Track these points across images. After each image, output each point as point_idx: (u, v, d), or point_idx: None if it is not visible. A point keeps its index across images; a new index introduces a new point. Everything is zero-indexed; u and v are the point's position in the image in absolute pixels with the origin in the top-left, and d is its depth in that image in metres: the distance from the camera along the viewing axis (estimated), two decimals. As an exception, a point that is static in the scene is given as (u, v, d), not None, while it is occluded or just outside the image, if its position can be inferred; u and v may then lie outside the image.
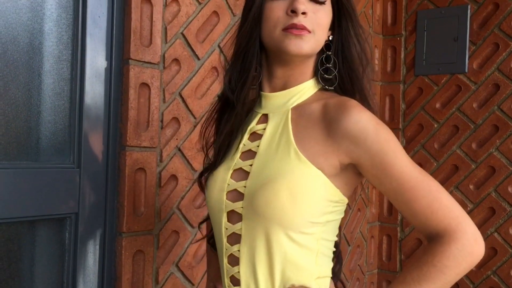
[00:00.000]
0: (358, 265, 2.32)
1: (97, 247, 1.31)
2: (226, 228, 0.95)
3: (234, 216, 0.95)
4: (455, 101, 2.26)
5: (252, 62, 0.98)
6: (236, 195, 0.95)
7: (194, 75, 1.50)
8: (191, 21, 1.49)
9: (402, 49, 2.42)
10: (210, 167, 1.02)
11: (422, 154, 2.34)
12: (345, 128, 0.88)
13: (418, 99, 2.37)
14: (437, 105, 2.31)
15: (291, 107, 0.98)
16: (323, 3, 0.95)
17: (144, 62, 1.36)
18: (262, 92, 1.03)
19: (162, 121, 1.42)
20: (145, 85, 1.37)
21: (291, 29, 0.92)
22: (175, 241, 1.47)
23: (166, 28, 1.42)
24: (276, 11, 0.94)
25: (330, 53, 0.99)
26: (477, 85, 2.21)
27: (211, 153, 1.06)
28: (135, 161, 1.35)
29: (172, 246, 1.46)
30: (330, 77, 1.00)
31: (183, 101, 1.47)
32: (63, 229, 1.27)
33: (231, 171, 0.98)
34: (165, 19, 1.42)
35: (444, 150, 2.29)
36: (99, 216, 1.32)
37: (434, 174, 2.30)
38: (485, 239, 2.13)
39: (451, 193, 2.24)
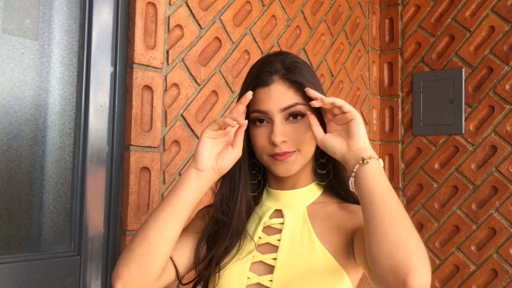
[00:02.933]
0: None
1: (97, 333, 1.32)
2: None
3: None
4: (453, 162, 2.29)
5: (246, 179, 1.03)
6: None
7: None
8: (190, 102, 1.53)
9: (400, 109, 2.46)
10: (209, 266, 1.03)
11: (423, 214, 2.35)
12: (359, 214, 0.96)
13: (417, 159, 2.39)
14: (436, 166, 2.33)
15: (306, 206, 1.05)
16: (301, 118, 1.01)
17: (145, 146, 1.40)
18: (270, 189, 1.09)
19: (162, 202, 1.44)
20: (145, 168, 1.40)
21: (276, 156, 0.99)
22: (176, 322, 1.47)
23: (166, 112, 1.46)
24: (259, 139, 1.01)
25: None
26: (474, 146, 2.24)
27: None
28: (135, 245, 1.36)
29: (173, 327, 1.46)
30: (324, 171, 1.05)
31: (183, 181, 1.50)
32: (63, 317, 1.28)
33: (249, 264, 1.00)
34: (165, 103, 1.46)
35: (444, 210, 2.30)
36: (99, 302, 1.32)
37: (435, 234, 2.30)
38: (488, 302, 2.12)
39: (453, 253, 2.24)
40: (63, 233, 1.29)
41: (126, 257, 0.97)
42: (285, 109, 0.99)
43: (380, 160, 0.92)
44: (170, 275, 1.02)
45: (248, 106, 1.01)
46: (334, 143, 0.95)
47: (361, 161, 0.89)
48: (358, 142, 0.93)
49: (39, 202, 1.25)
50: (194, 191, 0.97)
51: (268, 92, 1.00)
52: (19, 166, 1.20)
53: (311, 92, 0.97)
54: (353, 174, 0.90)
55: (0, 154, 1.17)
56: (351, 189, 0.92)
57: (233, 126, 0.97)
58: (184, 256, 1.04)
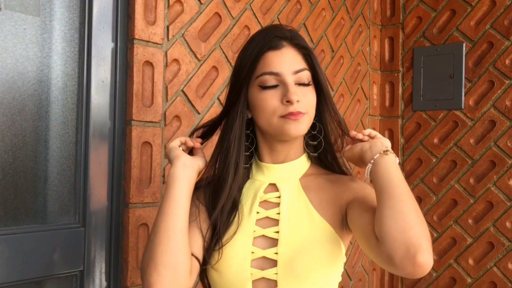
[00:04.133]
0: (360, 299, 2.36)
1: (102, 302, 1.37)
2: None
3: (261, 284, 1.00)
4: (452, 137, 2.31)
5: (240, 146, 1.07)
6: (265, 262, 1.01)
7: (194, 130, 1.56)
8: (191, 78, 1.55)
9: (400, 84, 2.47)
10: (213, 244, 1.05)
11: (422, 188, 2.38)
12: (352, 187, 1.06)
13: (417, 134, 2.41)
14: (435, 140, 2.35)
15: (299, 178, 1.09)
16: (308, 84, 1.06)
17: (146, 121, 1.42)
18: (263, 163, 1.12)
19: (164, 176, 1.48)
20: (147, 143, 1.43)
21: (289, 115, 1.01)
22: (178, 291, 1.52)
23: (167, 87, 1.48)
24: (270, 101, 1.03)
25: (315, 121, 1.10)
26: (473, 121, 2.25)
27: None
28: (138, 217, 1.40)
29: (175, 296, 1.51)
30: (315, 143, 1.12)
31: (184, 155, 1.53)
32: (69, 286, 1.32)
33: (251, 239, 1.03)
34: (166, 78, 1.48)
35: (443, 184, 2.33)
36: (103, 272, 1.37)
37: (434, 208, 2.34)
38: (484, 274, 2.18)
39: (450, 227, 2.28)
40: (67, 205, 1.33)
41: (149, 263, 0.96)
42: (296, 72, 1.04)
43: (398, 158, 1.01)
44: (198, 268, 1.04)
45: (253, 71, 1.05)
46: (360, 146, 1.05)
47: (383, 151, 0.98)
48: (381, 138, 1.04)
49: (44, 176, 1.28)
50: (186, 178, 1.03)
51: (281, 55, 1.04)
52: (23, 141, 1.23)
53: (358, 135, 1.08)
54: (372, 161, 0.98)
55: (5, 128, 1.20)
56: (366, 175, 1.00)
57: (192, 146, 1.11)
58: (199, 244, 1.05)
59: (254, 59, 1.05)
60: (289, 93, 1.01)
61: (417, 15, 2.41)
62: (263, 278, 1.00)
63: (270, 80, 1.03)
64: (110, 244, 1.38)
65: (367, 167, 1.00)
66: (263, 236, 1.04)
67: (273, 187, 1.09)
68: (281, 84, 1.03)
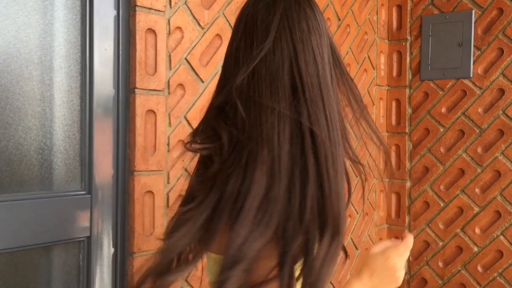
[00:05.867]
0: (366, 267, 2.37)
1: (110, 267, 1.39)
2: None
3: None
4: (460, 106, 2.29)
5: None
6: None
7: (198, 98, 1.56)
8: (194, 46, 1.54)
9: (408, 54, 2.44)
10: None
11: (429, 158, 2.38)
12: None
13: (424, 104, 2.39)
14: (443, 110, 2.33)
15: None
16: None
17: (150, 90, 1.42)
18: None
19: (168, 144, 1.49)
20: (151, 111, 1.43)
21: None
22: (184, 257, 1.54)
23: (170, 55, 1.48)
24: None
25: None
26: (482, 90, 2.23)
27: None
28: (143, 184, 1.42)
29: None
30: None
31: (188, 123, 1.53)
32: (77, 252, 1.35)
33: None
34: (169, 46, 1.47)
35: (450, 154, 2.32)
36: (110, 238, 1.39)
37: (440, 177, 2.33)
38: (491, 242, 2.19)
39: (457, 196, 2.28)
40: (73, 173, 1.34)
41: None
42: None
43: None
44: None
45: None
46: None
47: None
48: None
49: (49, 143, 1.29)
50: None
51: None
52: (29, 108, 1.24)
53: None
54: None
55: (10, 96, 1.20)
56: None
57: None
58: None
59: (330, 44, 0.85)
60: None
61: (426, -18, 2.37)
62: None
63: None
64: (116, 211, 1.40)
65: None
66: None
67: None
68: None
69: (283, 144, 0.73)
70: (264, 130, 0.74)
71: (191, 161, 1.55)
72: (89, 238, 1.35)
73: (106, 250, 1.39)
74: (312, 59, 0.77)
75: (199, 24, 1.55)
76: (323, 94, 0.76)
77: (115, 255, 1.40)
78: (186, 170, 1.54)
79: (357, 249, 2.30)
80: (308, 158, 0.73)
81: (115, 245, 1.40)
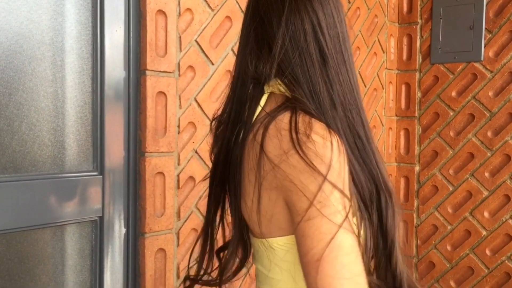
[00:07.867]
0: (375, 251, 2.39)
1: (122, 247, 1.41)
2: None
3: None
4: (470, 90, 2.27)
5: None
6: None
7: (208, 80, 1.56)
8: (204, 28, 1.54)
9: (418, 37, 2.42)
10: None
11: (438, 142, 2.37)
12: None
13: (434, 87, 2.38)
14: (453, 93, 2.32)
15: None
16: None
17: (160, 71, 1.43)
18: None
19: (179, 126, 1.49)
20: (161, 93, 1.44)
21: None
22: (195, 238, 1.56)
23: (180, 37, 1.48)
24: None
25: None
26: (493, 73, 2.21)
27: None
28: (154, 166, 1.43)
29: (192, 243, 1.55)
30: None
31: (199, 105, 1.54)
32: (89, 231, 1.37)
33: None
34: (179, 28, 1.47)
35: (459, 138, 2.31)
36: (122, 219, 1.41)
37: (450, 161, 2.33)
38: (499, 226, 2.19)
39: (466, 180, 2.28)
40: (85, 154, 1.36)
41: None
42: None
43: None
44: None
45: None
46: None
47: None
48: None
49: (62, 124, 1.31)
50: None
51: None
52: (41, 89, 1.25)
53: None
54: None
55: (22, 77, 1.22)
56: None
57: None
58: None
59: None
60: None
61: (437, -36, 2.34)
62: None
63: None
64: (128, 191, 1.42)
65: None
66: None
67: None
68: None
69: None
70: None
71: (201, 143, 1.56)
72: (101, 218, 1.37)
73: (118, 230, 1.41)
74: (332, 22, 0.78)
75: (209, 6, 1.55)
76: (344, 58, 0.79)
77: (126, 235, 1.42)
78: (196, 152, 1.55)
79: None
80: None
81: (126, 225, 1.42)
